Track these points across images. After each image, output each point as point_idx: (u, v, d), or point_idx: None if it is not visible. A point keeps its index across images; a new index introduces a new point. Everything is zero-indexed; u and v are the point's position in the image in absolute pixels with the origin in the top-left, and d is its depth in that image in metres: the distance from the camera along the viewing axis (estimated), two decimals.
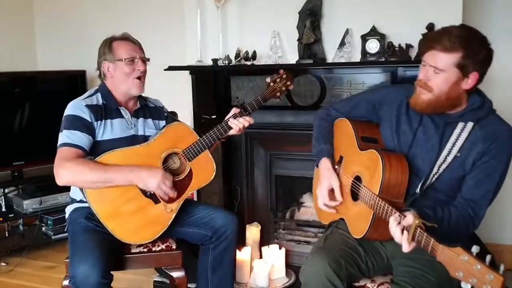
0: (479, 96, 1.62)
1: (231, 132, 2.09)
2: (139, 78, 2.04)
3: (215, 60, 2.68)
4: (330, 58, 2.56)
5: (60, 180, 1.87)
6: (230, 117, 2.09)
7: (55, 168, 1.87)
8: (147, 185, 1.91)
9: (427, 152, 1.66)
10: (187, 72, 2.81)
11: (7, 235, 3.44)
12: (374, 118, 1.86)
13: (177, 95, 2.92)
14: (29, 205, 3.35)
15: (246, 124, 2.08)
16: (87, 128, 1.94)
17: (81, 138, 1.92)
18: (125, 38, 2.07)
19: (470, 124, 1.60)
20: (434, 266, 1.54)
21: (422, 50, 1.59)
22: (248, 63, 2.64)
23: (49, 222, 3.42)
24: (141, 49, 2.08)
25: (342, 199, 1.78)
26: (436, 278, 1.55)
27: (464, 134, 1.60)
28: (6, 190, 3.48)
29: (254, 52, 2.63)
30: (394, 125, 1.76)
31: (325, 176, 1.83)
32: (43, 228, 3.48)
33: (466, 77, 1.54)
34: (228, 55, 2.65)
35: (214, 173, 2.08)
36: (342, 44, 2.49)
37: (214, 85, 2.78)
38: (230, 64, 2.65)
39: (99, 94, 2.05)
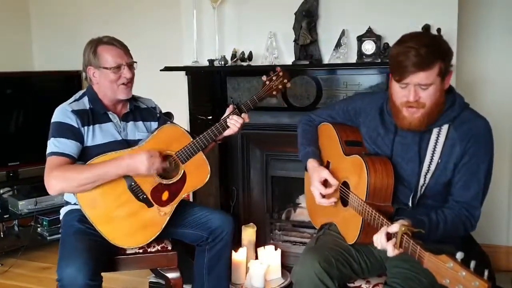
0: (450, 93, 1.62)
1: (227, 132, 2.06)
2: (125, 83, 1.99)
3: (211, 61, 2.68)
4: (326, 59, 2.56)
5: (51, 190, 1.85)
6: (225, 116, 2.06)
7: (45, 179, 1.85)
8: (138, 170, 1.88)
9: (408, 162, 1.65)
10: (183, 72, 2.81)
11: (2, 236, 3.43)
12: (354, 125, 1.87)
13: (173, 96, 2.91)
14: (24, 205, 3.33)
15: (241, 122, 2.04)
16: (75, 134, 1.92)
17: (68, 146, 1.89)
18: (111, 42, 1.99)
19: (445, 127, 1.60)
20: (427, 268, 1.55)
21: (399, 77, 1.53)
22: (244, 64, 2.63)
23: (44, 222, 3.42)
24: (127, 54, 2.01)
25: (337, 182, 1.76)
26: (429, 280, 1.54)
27: (441, 139, 1.60)
28: (1, 191, 3.47)
29: (250, 53, 2.63)
30: (371, 138, 1.76)
31: (313, 172, 1.82)
32: (39, 229, 3.47)
33: (445, 79, 1.55)
34: (224, 56, 2.65)
35: (209, 176, 2.04)
36: (338, 45, 2.50)
37: (210, 85, 2.77)
38: (226, 65, 2.64)
39: (86, 98, 2.02)
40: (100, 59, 1.96)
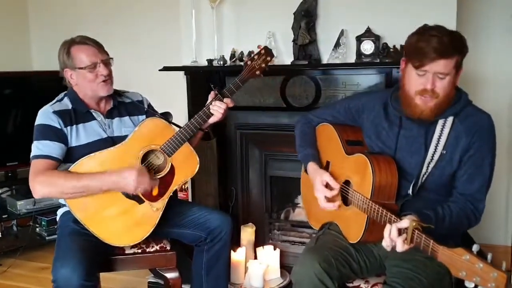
0: (457, 90, 1.64)
1: (212, 120, 2.02)
2: (104, 81, 1.96)
3: (210, 61, 2.68)
4: (325, 59, 2.56)
5: (36, 194, 1.84)
6: (208, 103, 2.02)
7: (30, 183, 1.84)
8: (124, 188, 1.87)
9: (413, 155, 1.66)
10: (182, 72, 2.81)
11: (0, 236, 3.41)
12: (355, 124, 1.87)
13: (172, 96, 2.91)
14: (23, 205, 3.33)
15: (224, 107, 1.99)
16: (57, 135, 1.90)
17: (52, 148, 1.88)
18: (84, 42, 1.97)
19: (450, 119, 1.61)
20: (426, 267, 1.56)
21: (419, 63, 1.53)
22: (243, 63, 2.63)
23: (43, 222, 3.41)
24: (102, 51, 1.98)
25: (338, 185, 1.76)
26: (428, 279, 1.55)
27: (446, 130, 1.61)
28: (0, 191, 3.47)
29: (249, 53, 2.63)
30: (375, 133, 1.77)
31: (315, 176, 1.82)
32: (37, 229, 3.47)
33: (458, 74, 1.57)
34: (223, 56, 2.65)
35: (198, 165, 2.01)
36: (337, 45, 2.49)
37: (209, 85, 2.76)
38: (225, 65, 2.65)
39: (66, 99, 2.00)
40: (75, 60, 1.95)
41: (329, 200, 1.77)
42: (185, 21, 2.80)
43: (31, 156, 1.90)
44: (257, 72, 2.04)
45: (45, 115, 1.93)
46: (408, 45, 1.61)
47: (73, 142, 1.94)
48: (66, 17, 3.74)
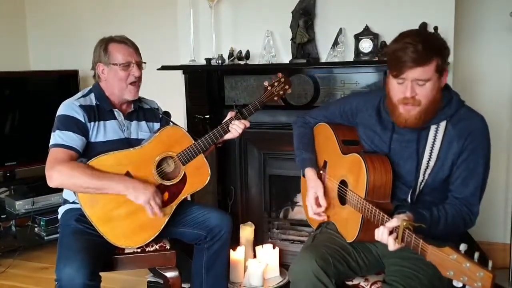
0: (447, 91, 1.63)
1: (228, 136, 2.08)
2: (133, 83, 2.02)
3: (208, 60, 2.67)
4: (323, 58, 2.56)
5: (52, 183, 1.85)
6: (227, 120, 2.08)
7: (47, 170, 1.85)
8: (137, 198, 1.89)
9: (406, 160, 1.66)
10: (180, 71, 2.81)
11: None
12: (351, 125, 1.88)
13: (170, 95, 2.90)
14: (21, 205, 3.32)
15: (242, 127, 2.06)
16: (80, 128, 1.93)
17: (73, 139, 1.90)
18: (122, 41, 2.04)
19: (442, 124, 1.61)
20: (425, 265, 1.56)
21: (396, 72, 1.54)
22: (242, 62, 2.63)
23: (41, 223, 3.40)
24: (137, 53, 2.06)
25: (326, 204, 1.81)
26: (427, 277, 1.56)
27: (440, 135, 1.61)
28: None
29: (248, 52, 2.63)
30: (369, 136, 1.77)
31: (310, 186, 1.85)
32: (36, 229, 3.46)
33: (442, 76, 1.56)
34: (221, 55, 2.65)
35: (209, 178, 2.06)
36: (335, 43, 2.50)
37: (207, 84, 2.77)
38: (224, 64, 2.64)
39: (92, 95, 2.04)
40: (110, 56, 2.00)
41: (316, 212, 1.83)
42: (183, 20, 2.80)
43: (50, 144, 1.91)
44: (275, 98, 2.13)
45: (70, 107, 1.95)
46: (387, 55, 1.62)
47: (93, 138, 1.97)
48: (63, 17, 3.73)
